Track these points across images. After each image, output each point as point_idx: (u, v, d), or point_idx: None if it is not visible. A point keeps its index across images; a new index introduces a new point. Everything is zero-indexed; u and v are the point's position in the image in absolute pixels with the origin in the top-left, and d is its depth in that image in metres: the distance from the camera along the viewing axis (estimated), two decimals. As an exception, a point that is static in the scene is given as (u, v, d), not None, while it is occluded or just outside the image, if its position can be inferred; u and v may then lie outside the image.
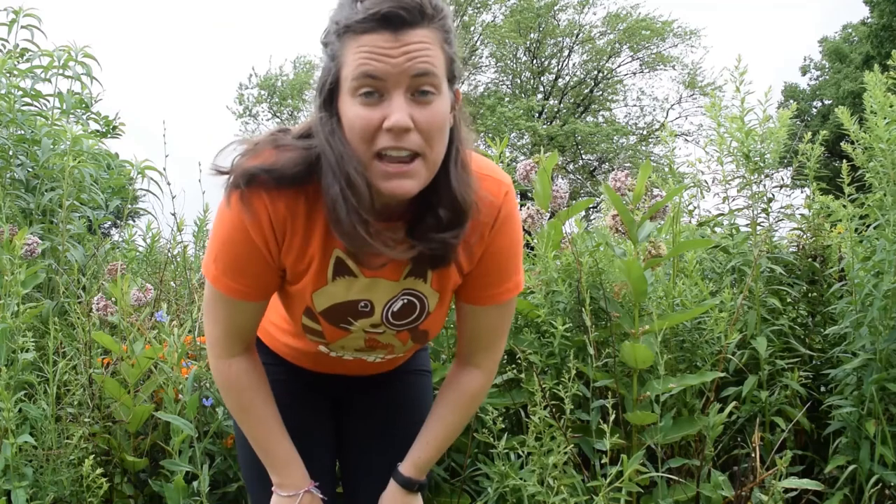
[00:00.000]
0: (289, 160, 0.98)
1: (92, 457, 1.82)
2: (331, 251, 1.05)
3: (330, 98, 0.96)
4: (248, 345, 1.16)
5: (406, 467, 1.23)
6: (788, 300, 2.35)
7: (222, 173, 1.01)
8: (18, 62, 3.29)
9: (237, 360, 1.14)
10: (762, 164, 2.31)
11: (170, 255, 3.05)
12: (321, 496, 1.21)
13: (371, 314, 1.13)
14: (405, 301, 1.13)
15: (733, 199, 2.40)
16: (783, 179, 2.41)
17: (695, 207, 2.56)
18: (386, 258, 1.02)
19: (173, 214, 2.87)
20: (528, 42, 21.46)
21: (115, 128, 4.14)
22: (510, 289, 1.14)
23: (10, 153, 2.91)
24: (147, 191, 3.38)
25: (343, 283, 1.08)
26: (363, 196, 0.94)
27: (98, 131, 4.01)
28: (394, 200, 1.00)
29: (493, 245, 1.09)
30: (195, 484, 1.76)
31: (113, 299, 2.14)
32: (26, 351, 1.93)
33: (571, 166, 21.28)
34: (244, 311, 1.10)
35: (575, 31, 21.29)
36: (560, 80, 22.15)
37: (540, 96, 21.74)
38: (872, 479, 1.80)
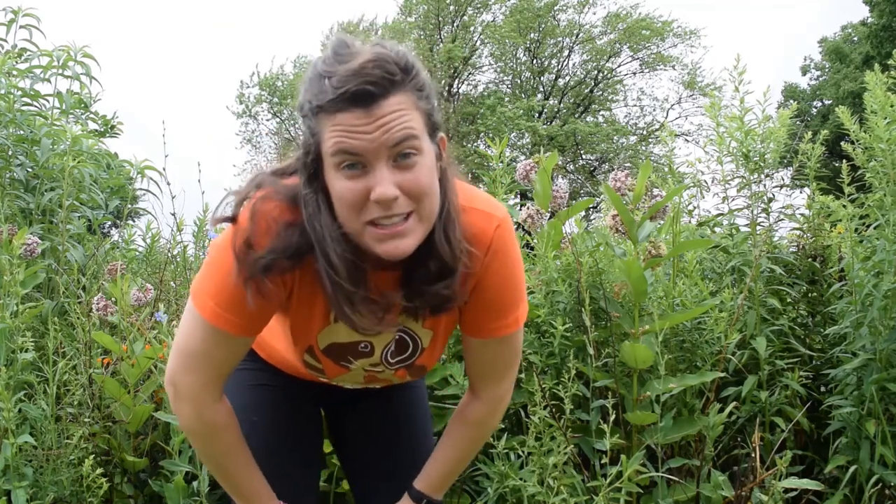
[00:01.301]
0: (299, 236, 0.97)
1: (92, 457, 1.81)
2: None
3: (314, 173, 0.95)
4: (222, 391, 1.12)
5: (419, 483, 1.25)
6: (788, 300, 2.35)
7: (228, 220, 1.00)
8: (17, 62, 3.29)
9: (221, 404, 1.11)
10: (762, 164, 2.31)
11: (170, 255, 3.05)
12: None
13: (371, 355, 1.15)
14: (398, 338, 1.14)
15: (733, 199, 2.40)
16: (783, 179, 2.41)
17: (695, 207, 2.56)
18: (374, 326, 1.01)
19: (173, 214, 2.87)
20: (528, 42, 21.45)
21: (113, 127, 4.13)
22: (510, 324, 1.11)
23: (10, 153, 2.91)
24: (147, 191, 3.38)
25: (345, 326, 1.07)
26: (342, 275, 0.95)
27: (97, 131, 4.01)
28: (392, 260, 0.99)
29: (487, 279, 1.06)
30: (195, 484, 1.76)
31: (113, 299, 2.14)
32: (26, 351, 1.93)
33: (571, 166, 21.27)
34: (238, 346, 1.08)
35: (575, 31, 21.29)
36: (560, 80, 22.15)
37: (540, 96, 21.74)
38: (872, 479, 1.79)
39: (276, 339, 1.22)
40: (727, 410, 1.78)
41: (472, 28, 21.26)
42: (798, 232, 2.44)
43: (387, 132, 0.88)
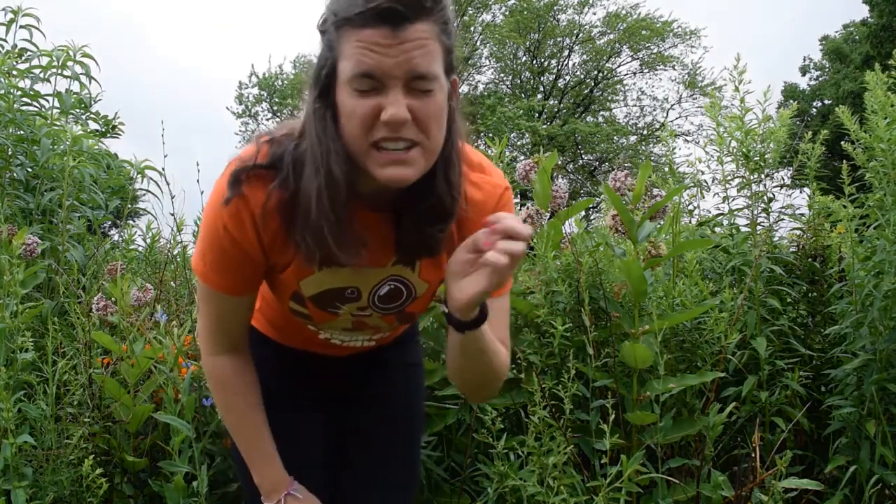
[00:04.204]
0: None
1: (92, 457, 1.81)
2: None
3: (326, 89, 0.95)
4: (235, 345, 1.16)
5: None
6: (788, 300, 2.34)
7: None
8: (17, 62, 3.29)
9: (223, 358, 1.16)
10: (762, 164, 2.31)
11: (170, 255, 3.05)
12: (302, 488, 1.20)
13: (358, 299, 1.14)
14: (392, 286, 1.13)
15: (733, 199, 2.40)
16: (783, 179, 2.41)
17: (695, 207, 2.56)
18: (360, 257, 1.01)
19: (173, 214, 2.87)
20: (528, 42, 21.46)
21: (114, 127, 4.13)
22: (508, 284, 1.17)
23: (10, 153, 2.91)
24: (147, 191, 3.38)
25: (329, 271, 1.08)
26: (338, 197, 0.95)
27: (97, 131, 4.01)
28: (389, 189, 0.99)
29: None
30: (195, 484, 1.76)
31: (113, 299, 2.14)
32: (25, 351, 1.92)
33: (571, 166, 21.28)
34: (231, 306, 1.12)
35: (575, 31, 21.29)
36: (560, 80, 22.15)
37: (540, 96, 21.75)
38: (872, 480, 1.79)
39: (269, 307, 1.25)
40: (727, 410, 1.78)
41: (472, 28, 21.26)
42: (798, 232, 2.45)
43: (411, 59, 0.88)
